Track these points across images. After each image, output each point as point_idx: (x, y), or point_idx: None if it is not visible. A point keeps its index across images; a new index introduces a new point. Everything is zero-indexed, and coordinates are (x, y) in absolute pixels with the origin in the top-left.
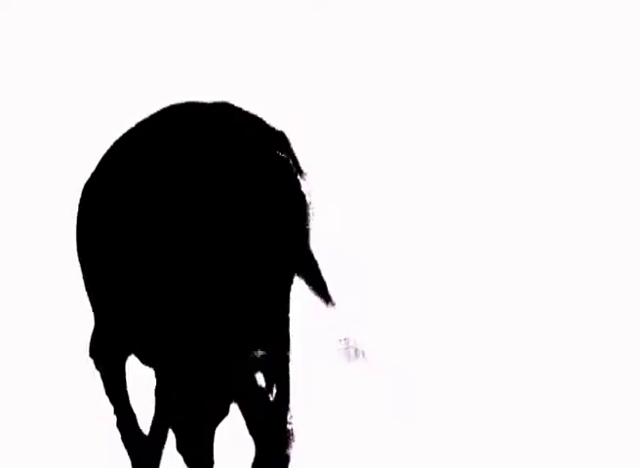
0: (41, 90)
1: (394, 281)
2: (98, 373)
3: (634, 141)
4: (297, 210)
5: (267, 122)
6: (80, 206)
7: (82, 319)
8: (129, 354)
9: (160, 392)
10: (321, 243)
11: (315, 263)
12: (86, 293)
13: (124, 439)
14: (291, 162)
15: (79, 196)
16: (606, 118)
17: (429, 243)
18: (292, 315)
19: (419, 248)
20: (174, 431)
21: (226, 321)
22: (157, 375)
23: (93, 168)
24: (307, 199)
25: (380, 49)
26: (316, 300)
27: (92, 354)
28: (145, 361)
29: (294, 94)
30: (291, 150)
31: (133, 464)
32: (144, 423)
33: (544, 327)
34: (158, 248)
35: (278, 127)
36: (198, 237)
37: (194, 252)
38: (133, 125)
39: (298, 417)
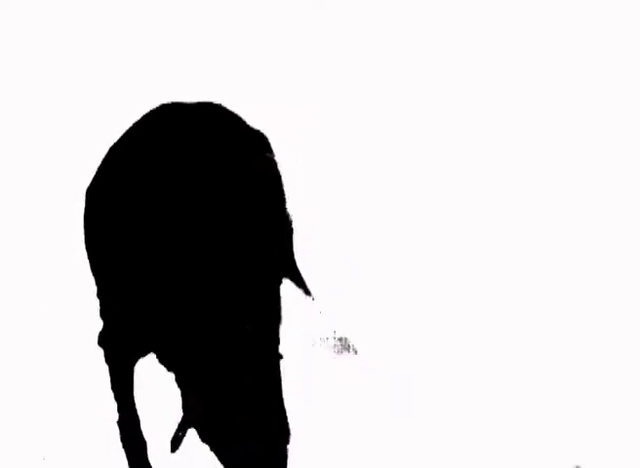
0: (41, 90)
1: (386, 278)
2: (105, 366)
3: (634, 141)
4: (278, 208)
5: (247, 122)
6: (86, 208)
7: (84, 316)
8: (140, 355)
9: (184, 392)
10: (312, 241)
11: (294, 260)
12: (95, 293)
13: (123, 438)
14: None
15: (83, 199)
16: (606, 118)
17: (423, 240)
18: (288, 313)
19: (412, 244)
20: (199, 431)
21: (221, 302)
22: (176, 377)
23: (90, 168)
24: (286, 198)
25: (379, 49)
26: (306, 298)
27: (101, 344)
28: (162, 360)
29: (293, 94)
30: (270, 150)
31: (129, 464)
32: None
33: (540, 321)
34: (155, 247)
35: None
36: (191, 234)
37: (189, 248)
38: (128, 126)
39: (294, 414)
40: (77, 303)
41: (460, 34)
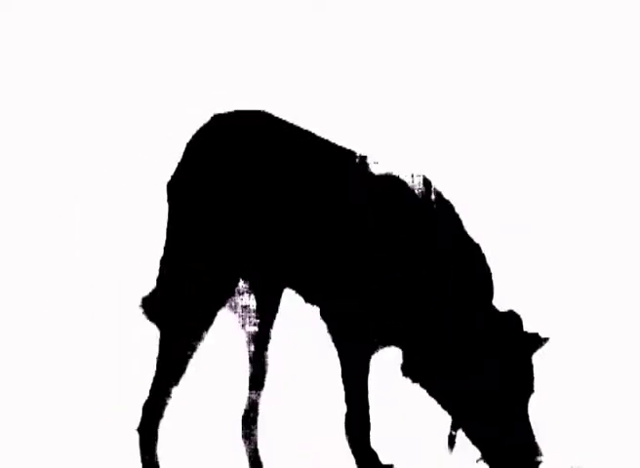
0: (41, 90)
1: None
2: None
3: (634, 142)
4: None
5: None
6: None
7: (83, 316)
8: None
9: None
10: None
11: None
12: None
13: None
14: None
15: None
16: (606, 118)
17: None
18: (290, 312)
19: None
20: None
21: None
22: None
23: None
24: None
25: (379, 49)
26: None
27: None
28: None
29: (294, 94)
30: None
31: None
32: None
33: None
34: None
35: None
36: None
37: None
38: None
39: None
40: (76, 303)
41: (461, 33)
